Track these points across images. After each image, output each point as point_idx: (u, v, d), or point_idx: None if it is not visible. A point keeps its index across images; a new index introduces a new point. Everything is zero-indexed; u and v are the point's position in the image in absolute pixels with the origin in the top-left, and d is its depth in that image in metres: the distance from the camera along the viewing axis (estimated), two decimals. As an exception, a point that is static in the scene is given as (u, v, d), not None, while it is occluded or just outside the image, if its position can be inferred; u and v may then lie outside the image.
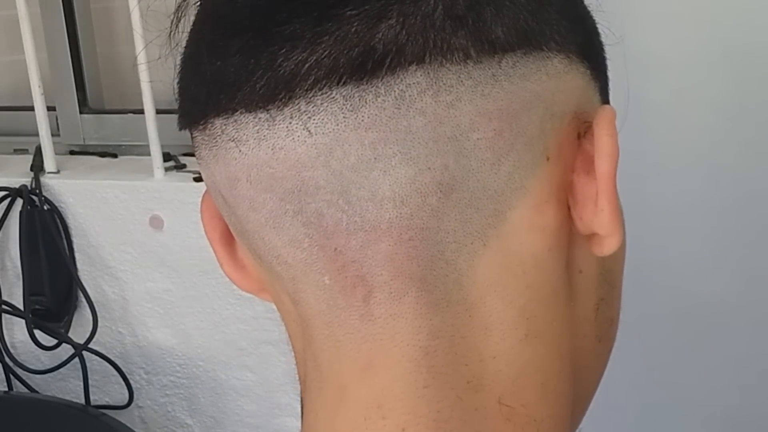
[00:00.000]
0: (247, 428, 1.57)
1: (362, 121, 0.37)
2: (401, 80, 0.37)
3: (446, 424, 0.38)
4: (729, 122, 1.22)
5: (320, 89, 0.37)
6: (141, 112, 1.50)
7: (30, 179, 1.55)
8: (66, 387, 1.65)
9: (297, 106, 0.37)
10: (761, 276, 1.27)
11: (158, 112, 1.49)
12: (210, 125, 0.41)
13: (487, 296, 0.39)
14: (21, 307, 1.58)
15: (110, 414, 1.47)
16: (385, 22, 0.37)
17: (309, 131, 0.38)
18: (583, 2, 0.43)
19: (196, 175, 1.50)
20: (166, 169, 1.54)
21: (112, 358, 1.58)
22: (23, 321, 1.59)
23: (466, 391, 0.38)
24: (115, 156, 1.65)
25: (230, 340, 1.53)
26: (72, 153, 1.67)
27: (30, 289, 1.57)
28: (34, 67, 1.51)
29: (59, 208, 1.57)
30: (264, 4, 0.38)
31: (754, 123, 1.20)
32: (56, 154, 1.59)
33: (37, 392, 1.63)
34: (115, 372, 1.58)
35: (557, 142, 0.39)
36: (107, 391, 1.63)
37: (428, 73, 0.37)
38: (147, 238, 1.53)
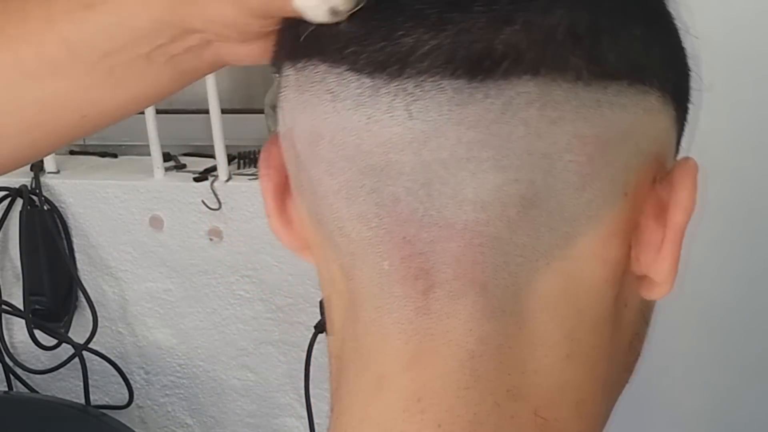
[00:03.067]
0: (247, 428, 1.57)
1: (465, 118, 0.37)
2: (513, 87, 0.37)
3: (481, 426, 0.39)
4: (728, 122, 1.22)
5: (432, 75, 0.37)
6: (141, 112, 1.50)
7: (30, 179, 1.55)
8: (66, 387, 1.65)
9: (404, 85, 0.37)
10: (761, 276, 1.27)
11: (158, 112, 1.49)
12: (311, 67, 0.39)
13: (540, 313, 0.39)
14: (21, 307, 1.58)
15: (110, 414, 1.47)
16: (510, 26, 0.36)
17: (410, 113, 0.37)
18: (684, 47, 0.43)
19: (196, 175, 1.50)
20: (166, 169, 1.54)
21: (112, 358, 1.58)
22: (23, 321, 1.59)
23: (505, 399, 0.39)
24: (115, 156, 1.65)
25: (230, 340, 1.53)
26: (72, 153, 1.67)
27: (30, 289, 1.57)
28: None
29: (59, 208, 1.57)
30: None
31: (755, 122, 1.20)
32: (56, 154, 1.59)
33: (37, 392, 1.63)
34: (115, 372, 1.58)
35: (636, 181, 0.40)
36: (107, 391, 1.63)
37: (540, 86, 0.37)
38: (147, 238, 1.53)
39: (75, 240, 1.58)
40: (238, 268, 1.49)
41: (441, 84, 0.36)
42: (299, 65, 0.40)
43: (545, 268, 0.39)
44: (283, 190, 0.45)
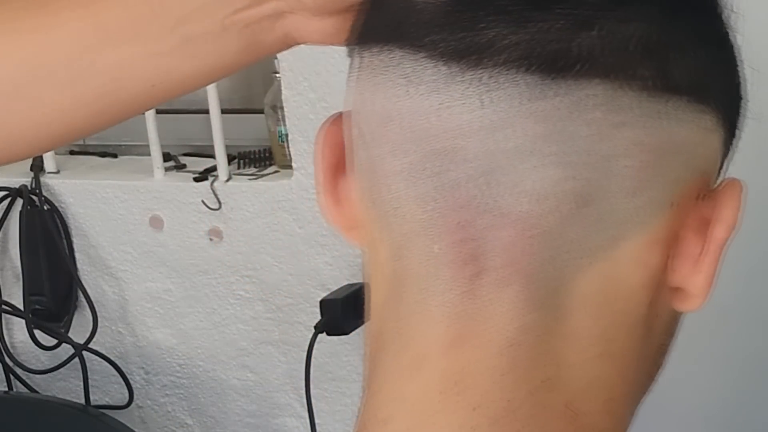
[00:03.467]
0: (247, 428, 1.57)
1: (535, 112, 0.38)
2: (583, 88, 0.38)
3: (514, 413, 0.40)
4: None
5: (508, 69, 0.38)
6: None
7: (30, 179, 1.55)
8: (66, 387, 1.65)
9: (479, 76, 0.38)
10: (761, 276, 1.27)
11: (158, 112, 1.49)
12: (388, 52, 0.41)
13: (578, 310, 0.41)
14: (21, 307, 1.58)
15: (110, 414, 1.47)
16: (587, 31, 0.38)
17: (482, 102, 0.38)
18: (742, 78, 0.45)
19: (196, 175, 1.50)
20: (166, 169, 1.54)
21: (112, 358, 1.58)
22: (23, 321, 1.59)
23: (539, 389, 0.40)
24: (115, 156, 1.65)
25: (230, 340, 1.53)
26: (72, 153, 1.67)
27: (30, 289, 1.58)
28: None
29: (59, 208, 1.57)
30: None
31: (755, 122, 1.20)
32: (56, 154, 1.59)
33: (37, 392, 1.63)
34: (114, 372, 1.58)
35: (683, 193, 0.41)
36: (107, 391, 1.63)
37: (608, 90, 0.38)
38: (147, 238, 1.53)
39: (75, 240, 1.58)
40: (238, 268, 1.49)
41: (515, 78, 0.38)
42: (375, 49, 0.41)
43: (588, 267, 0.40)
44: (336, 170, 0.45)
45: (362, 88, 0.42)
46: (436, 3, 0.40)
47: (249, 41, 0.47)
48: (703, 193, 0.42)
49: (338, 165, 0.45)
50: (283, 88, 1.40)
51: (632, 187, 0.40)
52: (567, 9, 0.38)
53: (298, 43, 0.48)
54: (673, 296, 0.43)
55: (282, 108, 1.43)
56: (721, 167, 0.45)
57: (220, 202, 1.47)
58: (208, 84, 0.53)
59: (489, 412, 0.40)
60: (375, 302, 0.44)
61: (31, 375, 1.63)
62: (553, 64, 0.38)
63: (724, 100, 0.42)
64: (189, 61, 0.48)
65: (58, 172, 1.58)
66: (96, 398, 1.61)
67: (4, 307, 1.61)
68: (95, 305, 1.57)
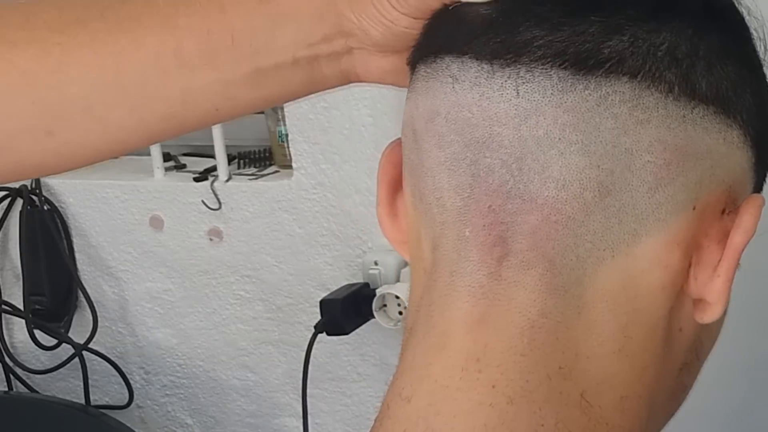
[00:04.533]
0: (247, 428, 1.57)
1: (564, 102, 0.41)
2: (610, 84, 0.41)
3: (531, 394, 0.41)
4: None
5: (543, 64, 0.42)
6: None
7: (30, 179, 1.55)
8: (66, 387, 1.65)
9: (517, 70, 0.42)
10: (761, 276, 1.27)
11: (158, 112, 1.49)
12: (439, 60, 0.44)
13: (599, 303, 0.43)
14: (21, 307, 1.58)
15: (110, 414, 1.47)
16: (618, 36, 0.42)
17: (517, 93, 0.42)
18: None
19: (196, 175, 1.50)
20: (166, 169, 1.54)
21: (112, 358, 1.58)
22: (23, 321, 1.59)
23: (555, 374, 0.42)
24: (115, 156, 1.65)
25: (230, 340, 1.53)
26: (72, 153, 1.67)
27: (30, 289, 1.58)
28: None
29: (59, 208, 1.57)
30: None
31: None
32: (56, 154, 1.59)
33: (37, 392, 1.63)
34: (115, 372, 1.58)
35: (706, 200, 0.43)
36: (107, 391, 1.63)
37: (634, 88, 0.41)
38: (147, 238, 1.53)
39: (75, 240, 1.58)
40: (238, 268, 1.49)
41: (549, 72, 0.42)
42: (429, 60, 0.45)
43: (610, 260, 0.43)
44: (395, 185, 0.49)
45: (416, 94, 0.46)
46: (482, 15, 0.44)
47: (314, 75, 0.50)
48: (729, 209, 0.44)
49: (398, 182, 0.49)
50: (283, 88, 1.40)
51: (654, 182, 0.42)
52: (601, 17, 0.42)
53: (356, 81, 0.51)
54: (695, 309, 0.45)
55: (282, 108, 1.43)
56: (754, 190, 0.47)
57: (220, 202, 1.47)
58: (266, 108, 0.54)
59: (507, 391, 0.41)
60: (413, 297, 0.47)
61: (31, 375, 1.64)
62: (585, 61, 0.41)
63: (752, 122, 0.44)
64: (255, 89, 0.50)
65: (58, 172, 1.58)
66: (96, 398, 1.61)
67: (4, 307, 1.61)
68: (95, 305, 1.57)
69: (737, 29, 0.46)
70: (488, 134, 0.42)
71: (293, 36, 0.48)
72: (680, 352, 0.46)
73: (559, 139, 0.42)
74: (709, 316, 0.44)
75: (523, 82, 0.42)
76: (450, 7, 0.46)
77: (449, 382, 0.42)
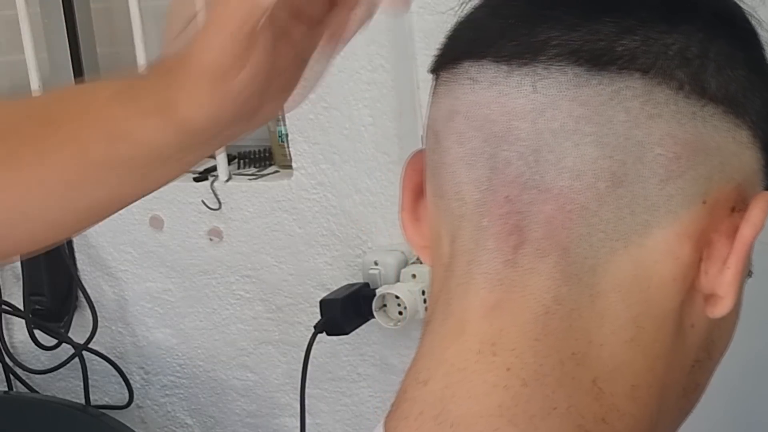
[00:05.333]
0: (247, 428, 1.57)
1: (579, 96, 0.43)
2: (623, 80, 0.43)
3: (545, 378, 0.43)
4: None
5: (559, 62, 0.44)
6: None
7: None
8: (66, 387, 1.65)
9: (534, 68, 0.44)
10: (761, 276, 1.27)
11: (158, 112, 1.49)
12: (459, 65, 0.46)
13: (612, 292, 0.44)
14: (21, 307, 1.58)
15: (110, 414, 1.47)
16: (630, 36, 0.44)
17: (534, 88, 0.44)
18: None
19: (196, 175, 1.50)
20: (166, 169, 1.53)
21: (112, 358, 1.58)
22: (23, 321, 1.59)
23: (569, 360, 0.43)
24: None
25: (230, 340, 1.53)
26: (72, 153, 1.67)
27: (30, 289, 1.58)
28: (34, 67, 1.51)
29: (59, 208, 1.57)
30: None
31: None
32: (56, 154, 1.59)
33: (37, 392, 1.63)
34: (114, 372, 1.58)
35: (716, 195, 0.45)
36: (107, 391, 1.63)
37: (646, 85, 0.43)
38: (147, 238, 1.53)
39: (75, 240, 1.58)
40: (238, 268, 1.49)
41: (565, 69, 0.43)
42: (449, 66, 0.47)
43: (623, 251, 0.44)
44: (418, 192, 0.51)
45: (437, 98, 0.48)
46: (499, 23, 0.46)
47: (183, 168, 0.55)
48: (739, 207, 0.45)
49: (420, 188, 0.51)
50: (283, 88, 1.40)
51: (664, 174, 0.43)
52: (614, 19, 0.44)
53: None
54: (706, 305, 0.46)
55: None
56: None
57: (220, 202, 1.47)
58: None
59: (522, 374, 0.43)
60: (432, 293, 0.48)
61: (31, 375, 1.63)
62: (599, 58, 0.43)
63: (761, 123, 0.46)
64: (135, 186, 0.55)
65: (58, 172, 1.58)
66: (96, 398, 1.61)
67: (4, 307, 1.61)
68: (95, 305, 1.57)
69: (747, 36, 0.47)
70: (506, 128, 0.44)
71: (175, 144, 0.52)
72: (692, 348, 0.47)
73: (574, 131, 0.43)
74: (719, 309, 0.45)
75: (540, 79, 0.44)
76: (467, 18, 0.48)
77: (465, 365, 0.44)
